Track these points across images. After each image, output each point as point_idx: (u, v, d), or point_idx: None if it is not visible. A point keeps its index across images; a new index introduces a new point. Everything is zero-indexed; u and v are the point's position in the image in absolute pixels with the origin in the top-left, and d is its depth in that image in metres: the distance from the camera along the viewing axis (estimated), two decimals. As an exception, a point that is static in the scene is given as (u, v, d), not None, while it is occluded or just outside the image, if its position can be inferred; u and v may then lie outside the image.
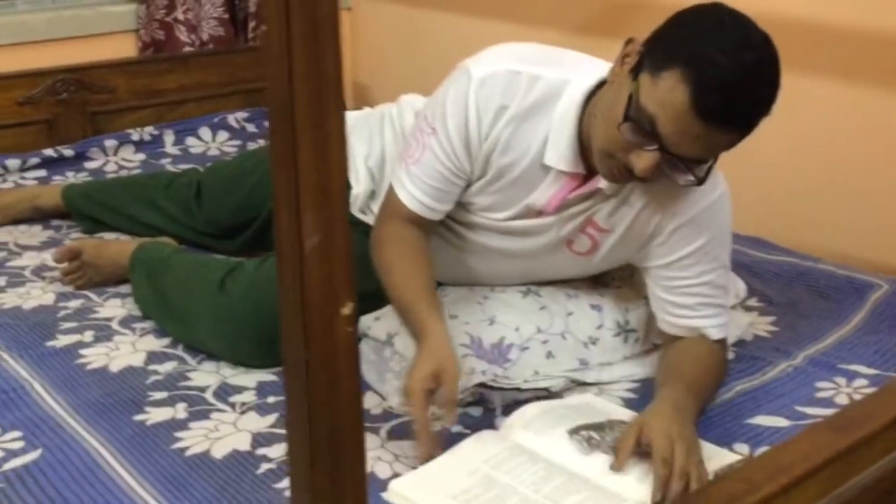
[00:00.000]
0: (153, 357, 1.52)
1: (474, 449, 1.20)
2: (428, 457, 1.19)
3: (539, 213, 1.38)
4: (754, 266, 1.80)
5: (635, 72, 1.20)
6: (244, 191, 1.84)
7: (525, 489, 1.12)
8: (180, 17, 2.64)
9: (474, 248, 1.46)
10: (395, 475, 1.20)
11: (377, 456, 1.24)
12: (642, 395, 1.38)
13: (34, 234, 2.03)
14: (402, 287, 1.33)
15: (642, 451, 1.15)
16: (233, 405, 1.39)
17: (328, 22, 0.58)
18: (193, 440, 1.30)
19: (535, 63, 1.34)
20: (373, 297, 1.40)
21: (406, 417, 1.34)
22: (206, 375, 1.47)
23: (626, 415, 1.28)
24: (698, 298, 1.37)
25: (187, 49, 2.65)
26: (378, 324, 1.43)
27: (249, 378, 1.46)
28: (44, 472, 1.23)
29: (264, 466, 1.24)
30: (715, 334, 1.37)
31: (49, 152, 2.34)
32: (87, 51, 2.54)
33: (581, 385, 1.41)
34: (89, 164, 2.36)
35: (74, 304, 1.71)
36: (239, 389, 1.43)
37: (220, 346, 1.51)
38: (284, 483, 1.19)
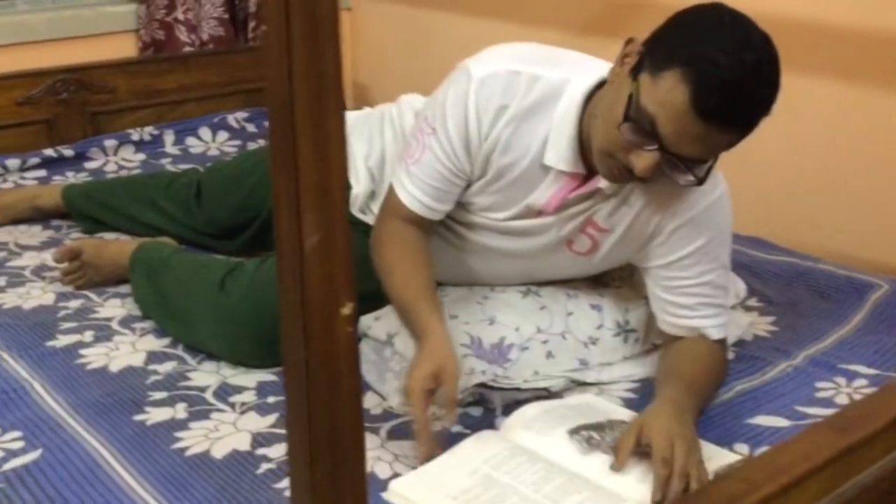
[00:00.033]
0: (153, 357, 1.52)
1: (474, 449, 1.20)
2: (428, 457, 1.19)
3: (539, 213, 1.38)
4: (754, 266, 1.80)
5: (635, 72, 1.20)
6: (244, 191, 1.84)
7: (525, 489, 1.12)
8: (180, 17, 2.64)
9: (474, 248, 1.46)
10: (395, 475, 1.20)
11: (377, 456, 1.24)
12: (642, 396, 1.38)
13: (34, 234, 2.03)
14: (403, 287, 1.33)
15: (642, 451, 1.15)
16: (233, 405, 1.39)
17: (328, 22, 0.58)
18: (193, 440, 1.30)
19: (535, 63, 1.34)
20: (373, 297, 1.40)
21: (406, 417, 1.34)
22: (205, 375, 1.47)
23: (626, 415, 1.28)
24: (698, 298, 1.37)
25: (187, 49, 2.65)
26: (378, 324, 1.43)
27: (249, 378, 1.46)
28: (44, 472, 1.23)
29: (264, 466, 1.24)
30: (715, 334, 1.37)
31: (49, 152, 2.34)
32: (87, 51, 2.54)
33: (581, 385, 1.41)
34: (89, 164, 2.36)
35: (74, 304, 1.71)
36: (239, 389, 1.43)
37: (219, 346, 1.51)
38: (284, 483, 1.19)
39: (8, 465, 1.24)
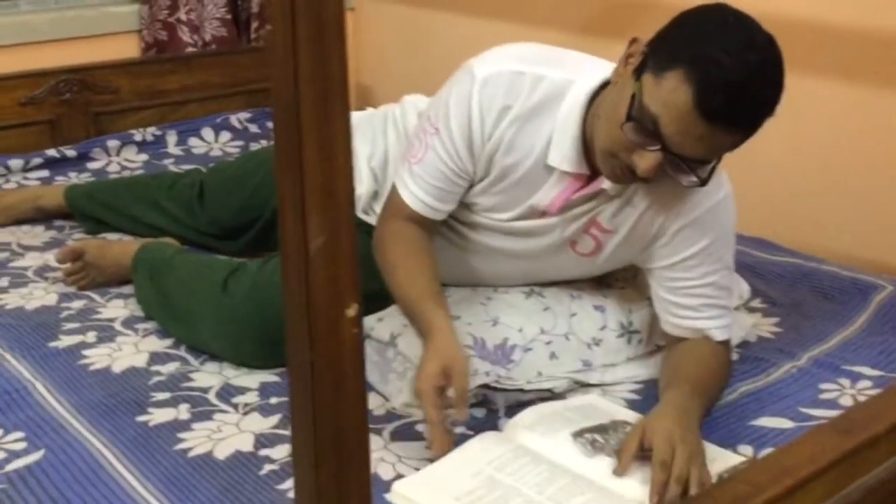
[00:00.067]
0: (156, 358, 1.52)
1: (478, 450, 1.20)
2: (441, 454, 1.19)
3: (542, 213, 1.38)
4: (758, 267, 1.80)
5: (639, 72, 1.20)
6: (247, 191, 1.84)
7: (529, 490, 1.12)
8: (183, 17, 2.64)
9: (477, 249, 1.46)
10: (399, 476, 1.20)
11: (380, 457, 1.24)
12: (645, 397, 1.38)
13: (37, 234, 2.04)
14: (407, 286, 1.33)
15: (646, 455, 1.14)
16: (235, 406, 1.38)
17: (334, 24, 0.58)
18: (196, 441, 1.29)
19: (538, 63, 1.33)
20: (376, 298, 1.40)
21: (409, 419, 1.34)
22: (208, 376, 1.47)
23: (630, 416, 1.28)
24: (702, 300, 1.37)
25: (190, 50, 2.65)
26: (381, 325, 1.43)
27: (252, 379, 1.45)
28: (46, 472, 1.23)
29: (267, 467, 1.24)
30: (719, 335, 1.37)
31: (52, 153, 2.34)
32: (90, 51, 2.54)
33: (584, 386, 1.41)
34: (92, 165, 2.36)
35: (77, 304, 1.71)
36: (242, 390, 1.42)
37: (222, 346, 1.51)
38: (287, 484, 1.19)
39: (10, 466, 1.24)
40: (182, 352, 1.54)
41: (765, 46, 1.16)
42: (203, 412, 1.36)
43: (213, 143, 2.52)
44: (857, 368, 1.44)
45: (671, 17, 1.22)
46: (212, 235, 1.90)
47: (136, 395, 1.41)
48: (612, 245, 1.39)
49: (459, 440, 1.23)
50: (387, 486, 1.17)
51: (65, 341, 1.57)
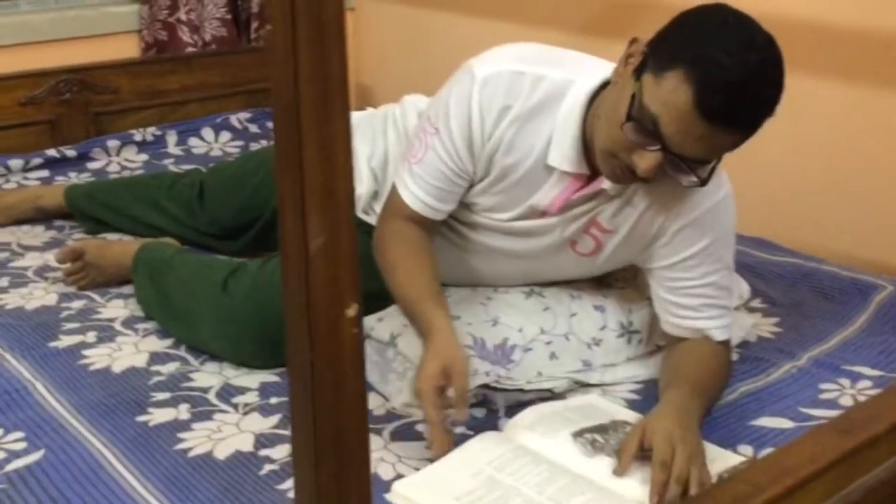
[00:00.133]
0: (156, 358, 1.52)
1: (478, 450, 1.20)
2: (442, 454, 1.19)
3: (542, 213, 1.38)
4: (758, 267, 1.80)
5: (639, 72, 1.20)
6: (247, 191, 1.84)
7: (529, 490, 1.12)
8: (183, 17, 2.64)
9: (477, 249, 1.46)
10: (398, 476, 1.20)
11: (380, 457, 1.24)
12: (645, 397, 1.38)
13: (37, 234, 2.03)
14: (407, 286, 1.33)
15: (646, 455, 1.14)
16: (235, 406, 1.38)
17: (334, 24, 0.58)
18: (196, 441, 1.29)
19: (539, 63, 1.33)
20: (376, 298, 1.40)
21: (409, 419, 1.34)
22: (208, 376, 1.47)
23: (629, 415, 1.28)
24: (702, 300, 1.37)
25: (190, 50, 2.65)
26: (381, 325, 1.43)
27: (252, 379, 1.45)
28: (46, 472, 1.23)
29: (267, 467, 1.24)
30: (719, 336, 1.37)
31: (52, 153, 2.34)
32: (90, 51, 2.54)
33: (584, 386, 1.40)
34: (92, 165, 2.36)
35: (77, 304, 1.70)
36: (241, 390, 1.42)
37: (222, 346, 1.51)
38: (287, 484, 1.19)
39: (10, 466, 1.24)
40: (182, 352, 1.54)
41: (765, 46, 1.16)
42: (203, 412, 1.36)
43: (213, 143, 2.52)
44: (857, 368, 1.44)
45: (671, 17, 1.22)
46: (212, 235, 1.90)
47: (136, 395, 1.41)
48: (612, 245, 1.39)
49: (459, 440, 1.23)
50: (387, 486, 1.17)
51: (65, 341, 1.57)
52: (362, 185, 1.57)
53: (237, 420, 1.35)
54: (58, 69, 2.45)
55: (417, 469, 1.20)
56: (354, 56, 2.91)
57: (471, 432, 1.27)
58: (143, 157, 2.42)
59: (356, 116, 1.68)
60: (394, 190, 1.41)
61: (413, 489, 1.15)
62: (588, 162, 1.32)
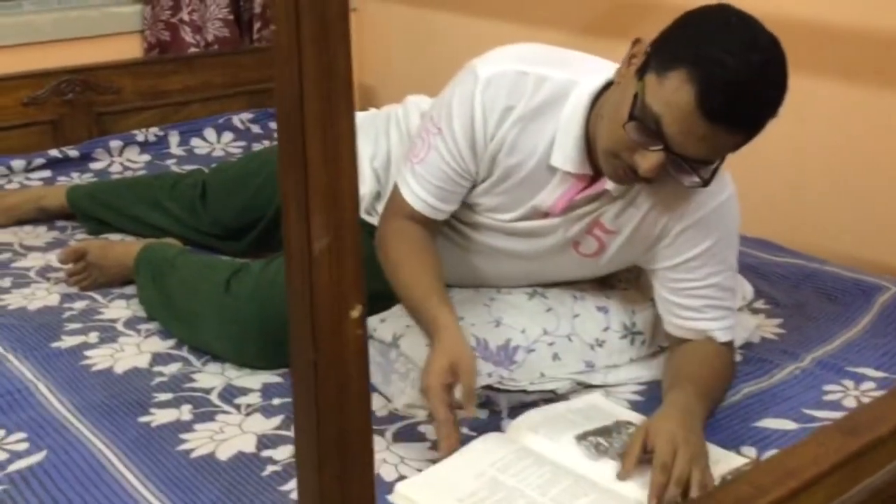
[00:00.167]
0: (158, 358, 1.52)
1: (480, 451, 1.20)
2: (450, 451, 1.18)
3: (545, 214, 1.38)
4: (761, 268, 1.79)
5: (641, 72, 1.20)
6: (249, 192, 1.84)
7: (531, 492, 1.12)
8: (185, 18, 2.64)
9: (480, 249, 1.46)
10: (401, 477, 1.19)
11: (382, 458, 1.24)
12: (648, 398, 1.37)
13: (39, 234, 2.03)
14: (411, 285, 1.32)
15: (650, 457, 1.14)
16: (238, 407, 1.38)
17: (338, 23, 0.58)
18: (198, 442, 1.29)
19: (542, 64, 1.33)
20: (379, 298, 1.40)
21: (411, 420, 1.33)
22: (211, 377, 1.46)
23: (633, 416, 1.28)
24: (705, 301, 1.36)
25: (192, 50, 2.65)
26: (384, 325, 1.43)
27: (254, 380, 1.45)
28: (48, 473, 1.23)
29: (270, 468, 1.23)
30: (722, 337, 1.37)
31: (54, 153, 2.34)
32: (93, 51, 2.54)
33: (587, 387, 1.40)
34: (94, 165, 2.36)
35: (79, 305, 1.70)
36: (244, 391, 1.42)
37: (225, 347, 1.51)
38: (290, 485, 1.19)
39: (13, 467, 1.24)
40: (184, 352, 1.54)
41: (768, 47, 1.16)
42: (205, 413, 1.36)
43: (215, 144, 2.52)
44: (860, 370, 1.44)
45: (674, 18, 1.22)
46: (214, 236, 1.90)
47: (139, 395, 1.41)
48: (616, 246, 1.39)
49: (462, 441, 1.23)
50: (389, 487, 1.16)
51: (67, 342, 1.57)
52: (365, 186, 1.57)
53: (239, 421, 1.34)
54: (60, 69, 2.45)
55: (420, 470, 1.20)
56: (357, 56, 2.90)
57: (474, 433, 1.26)
58: (146, 157, 2.42)
59: (359, 117, 1.67)
60: (396, 189, 1.40)
61: (415, 490, 1.14)
62: (591, 163, 1.32)
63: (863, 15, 1.85)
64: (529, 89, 1.31)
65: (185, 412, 1.36)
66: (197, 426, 1.33)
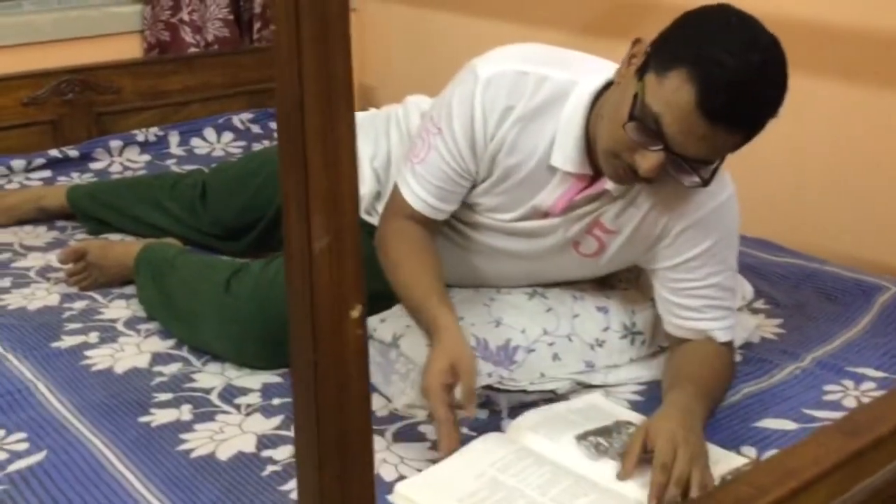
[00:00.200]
0: (158, 358, 1.52)
1: (480, 451, 1.20)
2: (450, 451, 1.18)
3: (545, 214, 1.38)
4: (761, 268, 1.79)
5: (641, 72, 1.20)
6: (249, 192, 1.84)
7: (532, 492, 1.11)
8: (185, 18, 2.64)
9: (480, 249, 1.46)
10: (401, 477, 1.19)
11: (382, 458, 1.24)
12: (649, 398, 1.37)
13: (39, 234, 2.03)
14: (412, 285, 1.32)
15: (650, 457, 1.14)
16: (238, 407, 1.38)
17: (338, 23, 0.58)
18: (198, 442, 1.29)
19: (542, 64, 1.33)
20: (379, 298, 1.40)
21: (411, 420, 1.33)
22: (210, 377, 1.46)
23: (633, 416, 1.28)
24: (705, 301, 1.36)
25: (192, 50, 2.65)
26: (384, 325, 1.43)
27: (254, 380, 1.45)
28: (48, 473, 1.23)
29: (269, 468, 1.23)
30: (722, 337, 1.37)
31: (54, 153, 2.34)
32: (93, 51, 2.54)
33: (587, 387, 1.40)
34: (94, 165, 2.36)
35: (79, 305, 1.70)
36: (244, 391, 1.42)
37: (225, 347, 1.51)
38: (290, 485, 1.19)
39: (13, 467, 1.24)
40: (184, 352, 1.54)
41: (768, 47, 1.16)
42: (205, 413, 1.36)
43: (215, 144, 2.52)
44: (860, 370, 1.44)
45: (674, 18, 1.22)
46: (214, 236, 1.90)
47: (139, 395, 1.41)
48: (616, 246, 1.39)
49: (462, 441, 1.23)
50: (389, 487, 1.16)
51: (67, 342, 1.57)
52: (365, 186, 1.57)
53: (239, 421, 1.34)
54: (60, 69, 2.45)
55: (420, 470, 1.20)
56: (357, 57, 2.89)
57: (473, 433, 1.26)
58: (146, 157, 2.42)
59: (359, 117, 1.67)
60: (396, 189, 1.40)
61: (415, 490, 1.14)
62: (591, 163, 1.32)
63: (863, 15, 1.85)
64: (529, 89, 1.31)
65: (185, 412, 1.36)
66: (197, 426, 1.33)
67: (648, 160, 1.19)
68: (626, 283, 1.54)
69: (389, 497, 1.15)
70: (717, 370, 1.34)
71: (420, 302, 1.30)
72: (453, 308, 1.32)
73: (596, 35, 2.25)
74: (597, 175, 1.33)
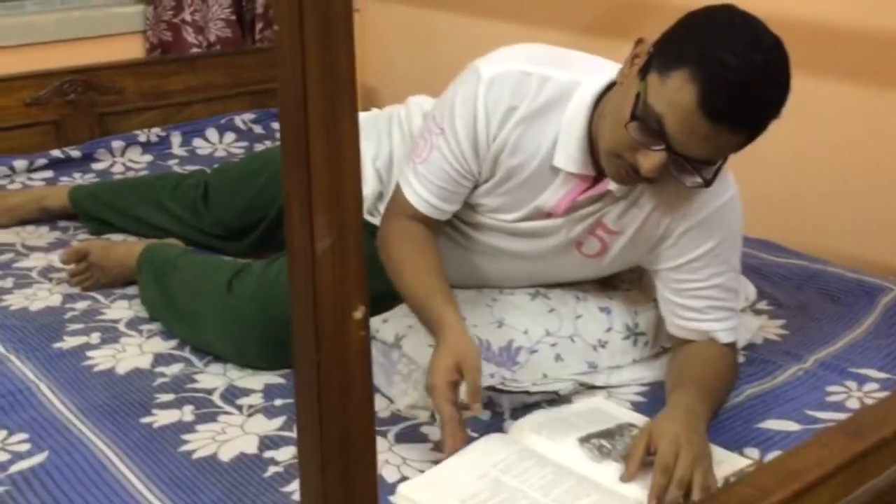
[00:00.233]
0: (160, 359, 1.52)
1: (483, 452, 1.19)
2: (455, 449, 1.18)
3: (548, 214, 1.38)
4: (764, 269, 1.79)
5: (644, 72, 1.20)
6: (251, 192, 1.84)
7: (534, 493, 1.11)
8: (187, 18, 2.64)
9: (482, 249, 1.46)
10: (403, 478, 1.19)
11: (385, 459, 1.24)
12: (651, 399, 1.37)
13: (41, 235, 2.03)
14: (415, 284, 1.32)
15: (653, 459, 1.14)
16: (240, 408, 1.38)
17: (342, 22, 0.58)
18: (200, 443, 1.29)
19: (545, 64, 1.33)
20: (381, 299, 1.40)
21: (414, 421, 1.33)
22: (212, 378, 1.46)
23: (635, 418, 1.27)
24: (708, 301, 1.36)
25: (194, 50, 2.65)
26: (386, 326, 1.43)
27: (256, 380, 1.45)
28: (50, 474, 1.22)
29: (271, 469, 1.23)
30: (724, 338, 1.36)
31: (56, 153, 2.34)
32: (95, 52, 2.54)
33: (590, 388, 1.40)
34: (96, 166, 2.36)
35: (81, 305, 1.70)
36: (246, 392, 1.42)
37: (227, 347, 1.50)
38: (292, 486, 1.19)
39: (14, 468, 1.24)
40: (186, 353, 1.54)
41: (771, 48, 1.16)
42: (207, 414, 1.36)
43: (217, 144, 2.52)
44: (863, 371, 1.44)
45: (677, 18, 1.21)
46: (216, 236, 1.90)
47: (141, 396, 1.41)
48: (618, 246, 1.39)
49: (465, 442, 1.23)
50: (391, 488, 1.16)
51: (69, 342, 1.56)
52: (367, 187, 1.57)
53: (241, 422, 1.34)
54: (63, 70, 2.45)
55: (422, 471, 1.20)
56: (360, 57, 2.87)
57: (476, 434, 1.26)
58: (148, 157, 2.42)
59: (361, 117, 1.65)
60: (398, 189, 1.40)
61: (418, 491, 1.14)
62: (594, 163, 1.32)
63: (863, 15, 1.85)
64: (532, 90, 1.31)
65: (187, 413, 1.36)
66: (199, 427, 1.33)
67: (650, 160, 1.19)
68: (628, 283, 1.54)
69: (392, 498, 1.14)
70: (721, 371, 1.34)
71: (424, 301, 1.30)
72: (458, 307, 1.31)
73: (597, 35, 2.24)
74: (599, 176, 1.33)
